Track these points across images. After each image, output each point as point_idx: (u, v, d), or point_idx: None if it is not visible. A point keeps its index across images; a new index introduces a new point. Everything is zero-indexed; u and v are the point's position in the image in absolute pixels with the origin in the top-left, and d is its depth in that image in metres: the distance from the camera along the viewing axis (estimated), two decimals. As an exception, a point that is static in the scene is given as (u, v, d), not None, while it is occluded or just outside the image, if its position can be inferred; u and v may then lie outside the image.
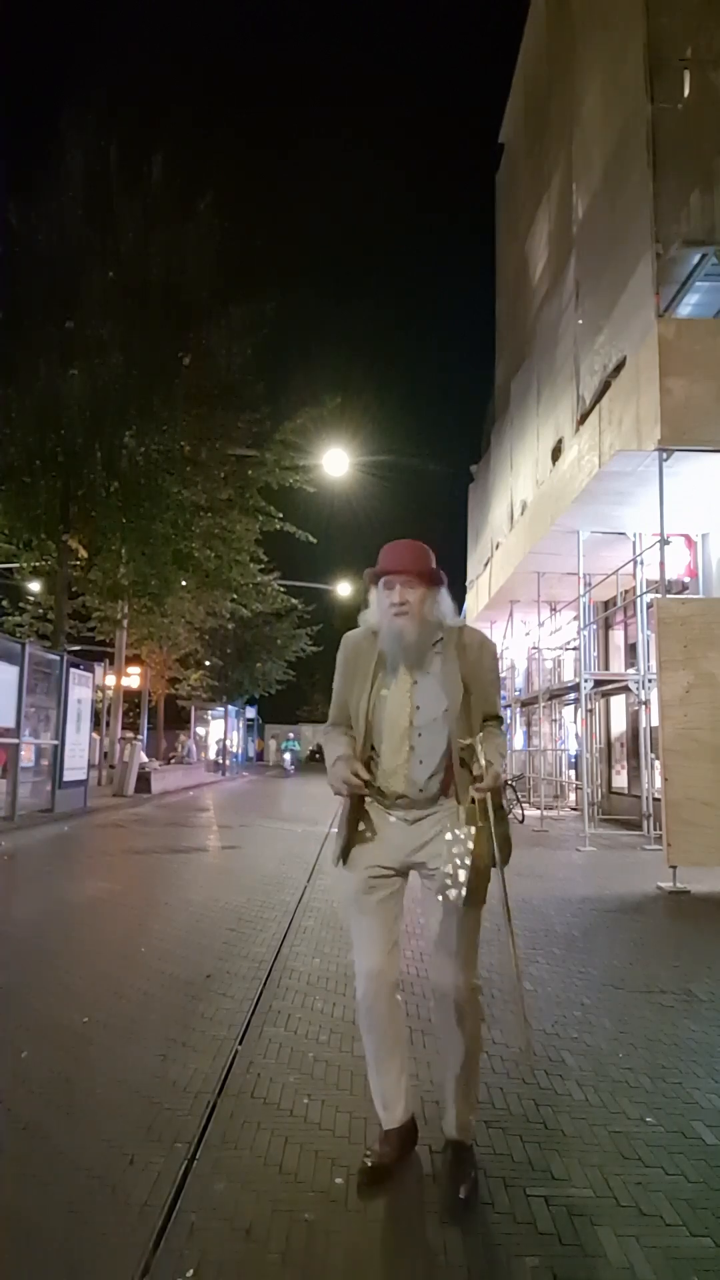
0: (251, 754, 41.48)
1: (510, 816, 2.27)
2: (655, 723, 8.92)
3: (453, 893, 2.08)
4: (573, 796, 15.97)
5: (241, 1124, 2.49)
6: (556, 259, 13.00)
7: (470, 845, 2.08)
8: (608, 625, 15.19)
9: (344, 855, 2.28)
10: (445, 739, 2.21)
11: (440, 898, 2.11)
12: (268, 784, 25.98)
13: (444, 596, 2.29)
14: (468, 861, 2.07)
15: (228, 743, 31.72)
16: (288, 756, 35.63)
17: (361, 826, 2.27)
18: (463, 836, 2.10)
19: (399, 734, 2.22)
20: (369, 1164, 2.21)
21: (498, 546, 16.80)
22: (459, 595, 21.10)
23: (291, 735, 41.41)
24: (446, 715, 2.20)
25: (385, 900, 2.27)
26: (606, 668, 14.64)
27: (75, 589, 16.74)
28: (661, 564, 8.68)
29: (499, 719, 2.32)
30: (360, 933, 2.28)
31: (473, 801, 2.12)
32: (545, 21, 14.38)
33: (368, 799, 2.27)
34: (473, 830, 2.09)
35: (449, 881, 2.09)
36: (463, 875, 2.07)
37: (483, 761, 2.11)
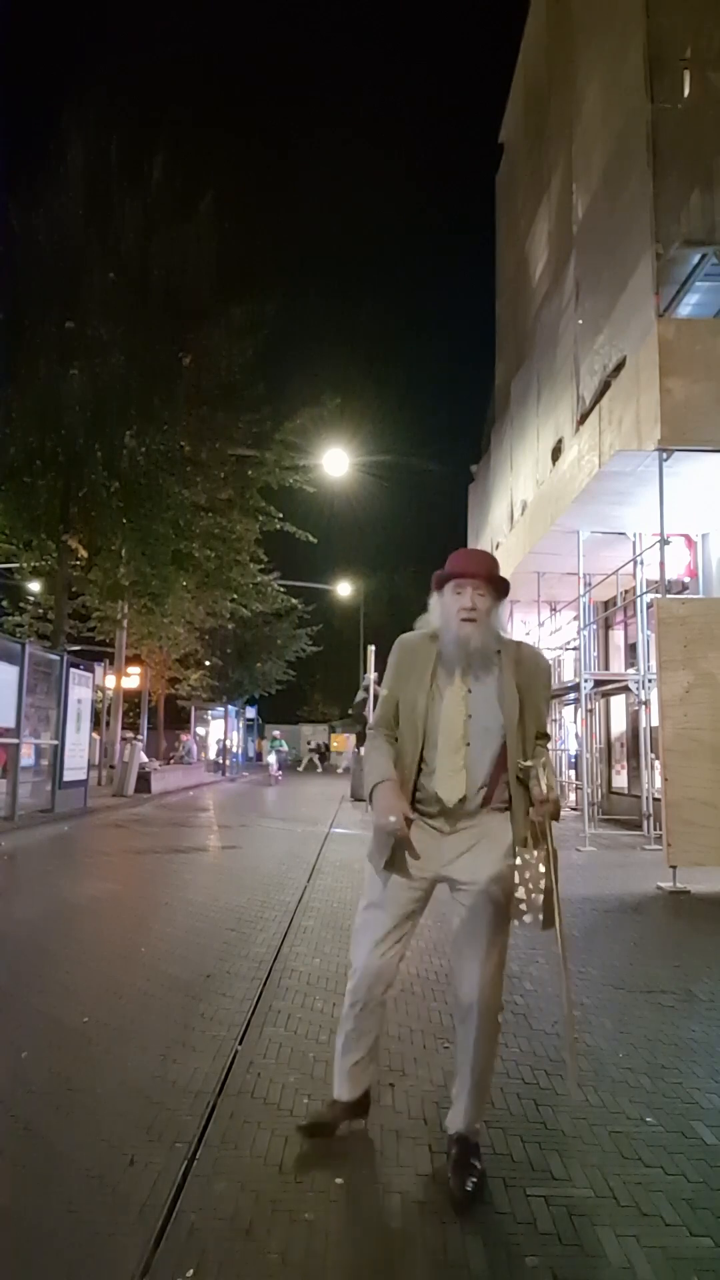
0: (251, 754, 41.04)
1: None
2: (655, 723, 8.92)
3: (528, 917, 2.09)
4: (573, 796, 15.96)
5: (241, 1124, 2.49)
6: (556, 259, 13.00)
7: (541, 869, 2.10)
8: (608, 625, 15.19)
9: (389, 862, 2.25)
10: (494, 751, 2.22)
11: (516, 922, 2.12)
12: (254, 790, 23.37)
13: (503, 609, 2.33)
14: (541, 885, 2.09)
15: (228, 743, 31.68)
16: (273, 759, 28.48)
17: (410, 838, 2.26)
18: (532, 860, 2.11)
19: (451, 742, 2.22)
20: (305, 1122, 2.39)
21: (498, 546, 16.80)
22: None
23: (279, 734, 34.02)
24: (499, 727, 2.21)
25: (407, 907, 2.27)
26: (606, 668, 14.64)
27: (75, 589, 16.73)
28: (661, 564, 8.68)
29: (547, 736, 2.32)
30: (368, 927, 2.27)
31: (535, 824, 2.15)
32: (545, 21, 14.38)
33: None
34: (540, 853, 2.11)
35: (524, 906, 2.09)
36: (539, 900, 2.09)
37: (544, 786, 2.13)
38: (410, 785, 2.25)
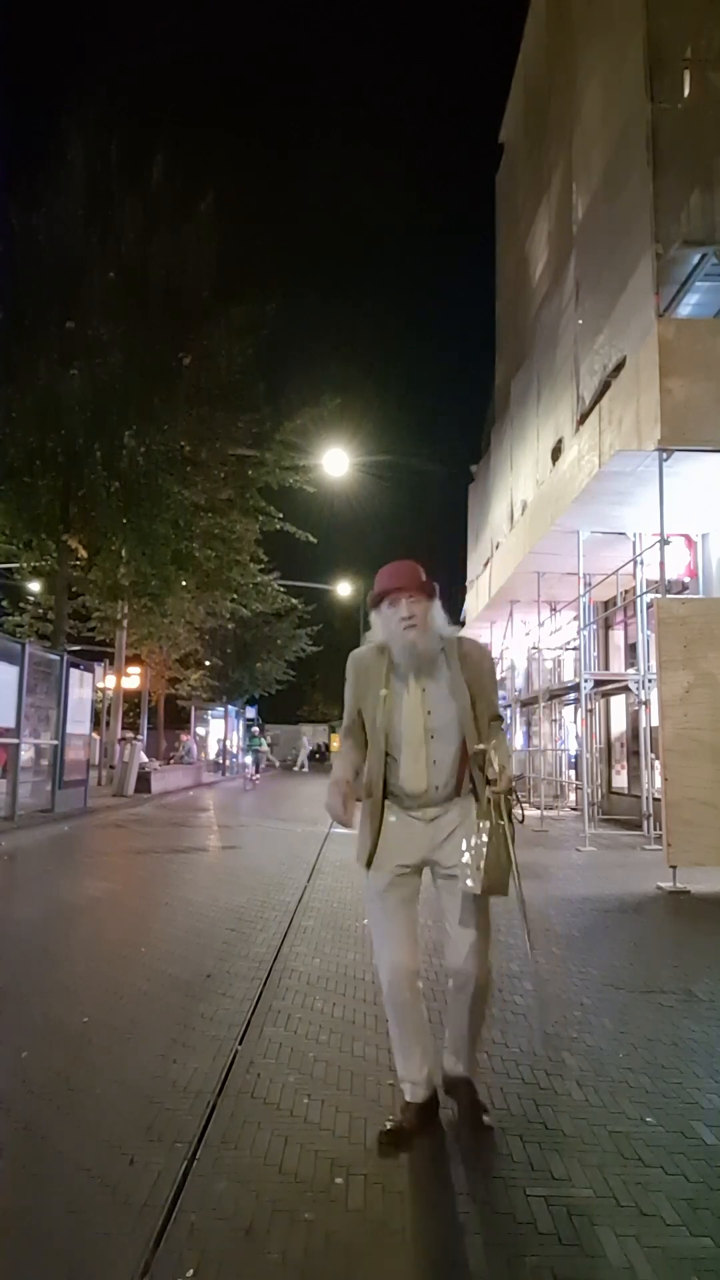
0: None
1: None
2: (655, 723, 8.92)
3: (469, 882, 2.29)
4: (573, 796, 15.97)
5: (241, 1124, 2.49)
6: (556, 259, 13.00)
7: (485, 838, 2.29)
8: (608, 625, 15.18)
9: (369, 859, 2.44)
10: (457, 741, 2.42)
11: (462, 886, 2.32)
12: (228, 794, 20.24)
13: (439, 607, 2.50)
14: (485, 852, 2.27)
15: (228, 743, 31.65)
16: (250, 760, 24.64)
17: (384, 830, 2.45)
18: (482, 829, 2.31)
19: (415, 739, 2.41)
20: (389, 1126, 2.40)
21: (498, 546, 16.80)
22: (459, 595, 21.09)
23: (256, 731, 30.21)
24: (457, 718, 2.41)
25: (406, 898, 2.45)
26: (606, 668, 14.64)
27: (75, 589, 16.73)
28: (661, 564, 8.69)
29: (500, 718, 2.53)
30: (383, 928, 2.45)
31: (488, 801, 2.34)
32: (545, 21, 14.38)
33: (388, 802, 2.46)
34: (487, 825, 2.30)
35: (467, 872, 2.30)
36: (481, 864, 2.27)
37: (496, 766, 2.33)
38: (381, 783, 2.44)
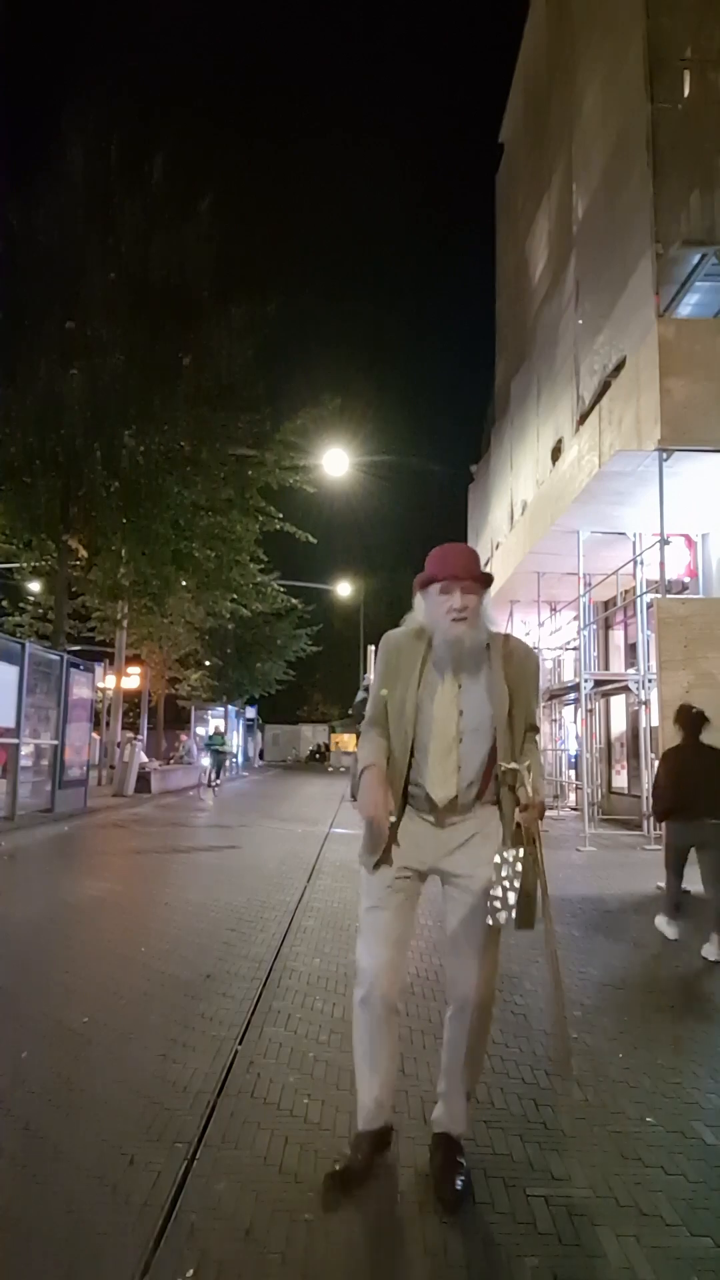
0: (251, 754, 41.14)
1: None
2: (655, 723, 8.92)
3: (503, 915, 2.09)
4: (573, 796, 15.97)
5: (241, 1124, 2.49)
6: (556, 259, 13.01)
7: (519, 868, 2.09)
8: (608, 625, 15.19)
9: (379, 863, 2.23)
10: (487, 747, 2.20)
11: (489, 920, 2.11)
12: (227, 794, 18.90)
13: (490, 601, 2.31)
14: (517, 884, 2.09)
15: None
16: (208, 762, 20.26)
17: (398, 832, 2.24)
18: (511, 859, 2.10)
19: (444, 740, 2.19)
20: (337, 1168, 2.19)
21: (498, 546, 16.81)
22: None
23: (220, 728, 23.89)
24: (491, 722, 2.19)
25: (403, 903, 2.25)
26: (606, 668, 14.64)
27: (75, 589, 16.73)
28: (661, 564, 8.69)
29: (536, 729, 2.31)
30: (371, 930, 2.24)
31: (518, 826, 2.13)
32: (545, 21, 14.39)
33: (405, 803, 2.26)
34: (520, 853, 2.10)
35: (498, 905, 2.09)
36: (512, 898, 2.09)
37: (530, 791, 2.13)
38: (402, 782, 2.22)
